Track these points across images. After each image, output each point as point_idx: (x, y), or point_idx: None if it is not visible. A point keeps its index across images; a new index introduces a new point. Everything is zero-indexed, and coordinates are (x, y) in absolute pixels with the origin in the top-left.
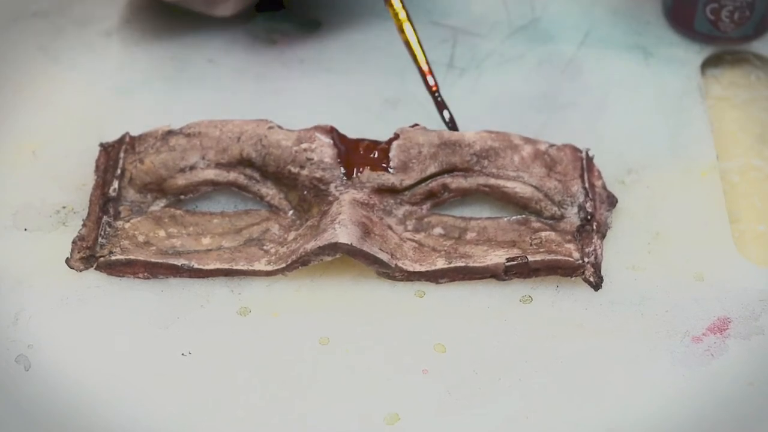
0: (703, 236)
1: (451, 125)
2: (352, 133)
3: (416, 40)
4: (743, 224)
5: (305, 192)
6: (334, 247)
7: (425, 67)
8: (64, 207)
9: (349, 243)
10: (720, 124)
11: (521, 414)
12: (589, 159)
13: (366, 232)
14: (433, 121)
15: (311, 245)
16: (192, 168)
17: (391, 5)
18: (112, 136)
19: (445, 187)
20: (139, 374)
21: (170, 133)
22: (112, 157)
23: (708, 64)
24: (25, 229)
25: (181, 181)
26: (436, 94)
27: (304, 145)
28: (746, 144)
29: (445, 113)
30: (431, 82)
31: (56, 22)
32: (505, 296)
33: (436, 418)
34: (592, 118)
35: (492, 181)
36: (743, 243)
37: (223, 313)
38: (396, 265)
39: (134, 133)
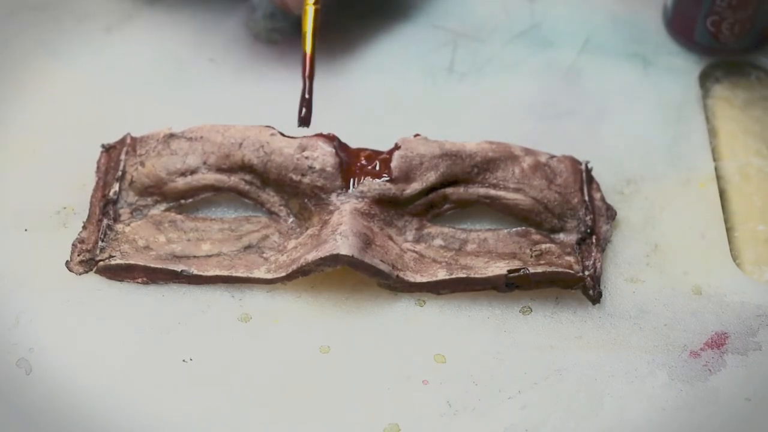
0: (702, 249)
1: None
2: (351, 136)
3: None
4: (742, 224)
5: (306, 200)
6: (335, 259)
7: (309, 52)
8: (64, 207)
9: (351, 255)
10: (720, 124)
11: (520, 426)
12: (589, 172)
13: (367, 242)
14: (434, 126)
15: (312, 256)
16: (193, 172)
17: None
18: (112, 135)
19: (445, 198)
20: (139, 379)
21: (172, 136)
22: (114, 158)
23: (708, 66)
24: (26, 230)
25: (181, 185)
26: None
27: (306, 153)
28: (746, 144)
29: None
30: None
31: (55, 15)
32: (505, 307)
33: (437, 429)
34: (591, 127)
35: (492, 192)
36: (742, 244)
37: (224, 320)
38: (397, 276)
39: (135, 132)
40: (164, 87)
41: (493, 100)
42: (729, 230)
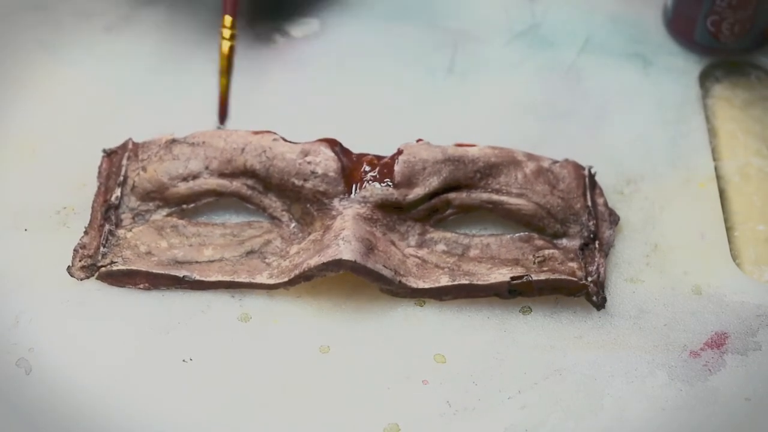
0: (701, 249)
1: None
2: (351, 136)
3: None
4: (742, 224)
5: (308, 205)
6: (337, 264)
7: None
8: (64, 207)
9: (353, 260)
10: (720, 124)
11: (520, 426)
12: (592, 177)
13: (369, 248)
14: (434, 126)
15: (315, 261)
16: (195, 177)
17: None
18: (112, 135)
19: (448, 203)
20: (139, 379)
21: (174, 141)
22: (115, 163)
23: (708, 66)
24: (26, 230)
25: (183, 190)
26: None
27: (308, 158)
28: (746, 144)
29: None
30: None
31: (55, 15)
32: (505, 307)
33: (437, 429)
34: (592, 127)
35: (495, 197)
36: (742, 244)
37: (224, 320)
38: (400, 281)
39: (135, 133)
40: (164, 87)
41: (493, 101)
42: (729, 230)
